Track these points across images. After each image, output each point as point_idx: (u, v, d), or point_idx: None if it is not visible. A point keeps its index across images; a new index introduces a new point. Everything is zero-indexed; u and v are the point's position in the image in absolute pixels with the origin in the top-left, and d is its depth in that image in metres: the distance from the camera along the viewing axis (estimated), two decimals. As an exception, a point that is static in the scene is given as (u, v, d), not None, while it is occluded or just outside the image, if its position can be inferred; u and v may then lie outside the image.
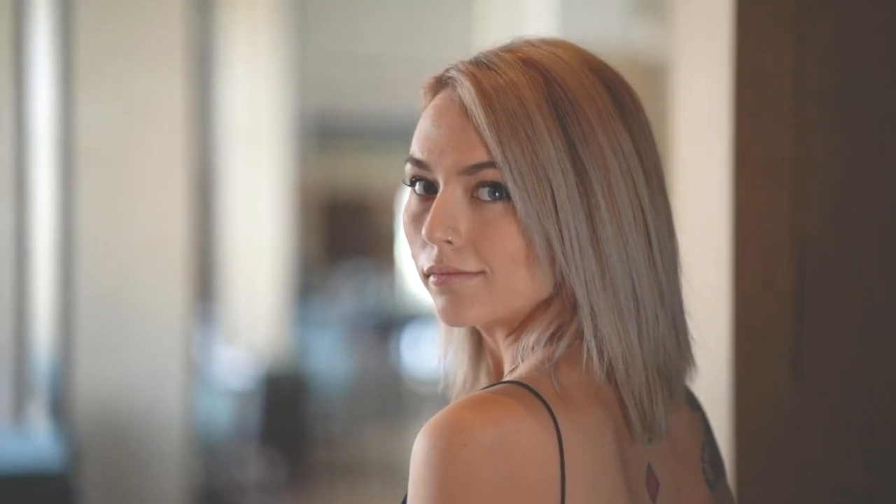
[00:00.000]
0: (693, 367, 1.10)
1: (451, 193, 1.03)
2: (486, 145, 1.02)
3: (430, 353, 10.05)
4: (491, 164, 1.02)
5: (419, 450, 0.93)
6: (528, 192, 1.00)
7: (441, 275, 1.04)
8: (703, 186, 1.35)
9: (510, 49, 1.07)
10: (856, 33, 1.31)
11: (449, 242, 1.03)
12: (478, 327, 1.12)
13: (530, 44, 1.07)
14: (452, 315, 1.04)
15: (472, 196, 1.03)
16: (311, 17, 8.99)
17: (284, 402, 6.55)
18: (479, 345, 1.17)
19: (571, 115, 1.01)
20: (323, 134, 11.47)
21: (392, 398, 9.60)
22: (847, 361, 1.32)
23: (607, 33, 4.86)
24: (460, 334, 1.17)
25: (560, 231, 1.01)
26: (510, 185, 1.01)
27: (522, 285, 1.03)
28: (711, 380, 1.25)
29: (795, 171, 1.29)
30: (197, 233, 4.43)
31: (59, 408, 4.17)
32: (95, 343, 4.09)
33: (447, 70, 1.08)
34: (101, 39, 4.11)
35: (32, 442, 3.87)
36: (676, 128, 1.45)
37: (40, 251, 4.44)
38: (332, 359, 8.38)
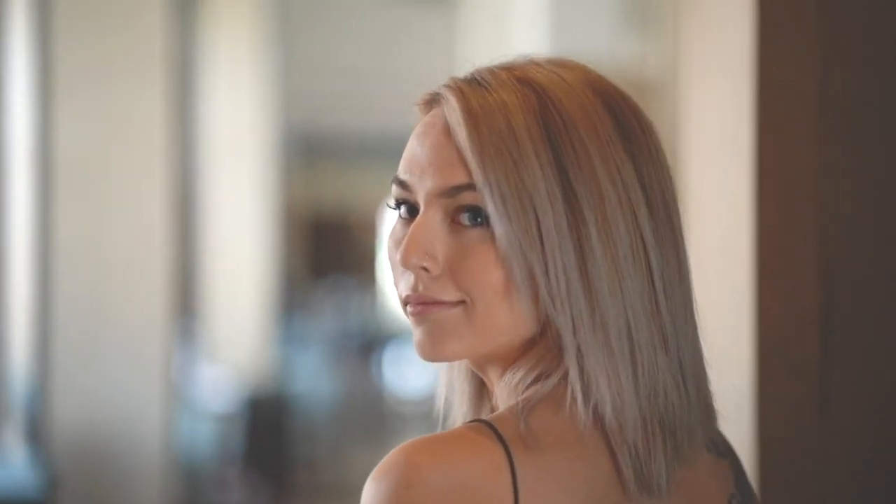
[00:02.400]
0: (710, 421, 1.00)
1: (430, 217, 0.97)
2: (467, 166, 0.96)
3: (414, 372, 9.99)
4: (471, 187, 0.96)
5: (366, 493, 0.88)
6: (510, 218, 0.94)
7: (418, 304, 0.97)
8: (719, 208, 1.27)
9: (509, 66, 1.00)
10: (883, 38, 1.23)
11: (426, 270, 0.97)
12: (471, 367, 1.05)
13: (533, 62, 1.00)
14: (429, 349, 0.98)
15: (453, 221, 0.97)
16: (294, 30, 8.96)
17: (267, 423, 6.50)
18: (481, 386, 1.08)
19: (565, 138, 0.95)
20: (306, 149, 11.42)
21: (377, 419, 9.53)
22: (877, 393, 1.23)
23: (596, 47, 4.82)
24: (460, 375, 1.09)
25: (545, 262, 0.93)
26: (490, 210, 0.95)
27: (503, 319, 0.96)
28: (733, 413, 1.16)
29: (821, 190, 1.21)
30: (178, 249, 4.38)
31: (36, 432, 4.10)
32: (73, 364, 4.03)
33: (440, 86, 1.02)
34: (80, 51, 4.07)
35: (8, 468, 3.80)
36: (687, 145, 1.37)
37: (16, 268, 4.37)
38: (315, 379, 8.32)
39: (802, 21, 1.20)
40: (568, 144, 0.94)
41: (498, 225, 0.94)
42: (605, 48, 4.81)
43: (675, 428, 0.94)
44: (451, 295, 0.96)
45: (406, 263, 0.97)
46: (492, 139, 0.94)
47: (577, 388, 0.93)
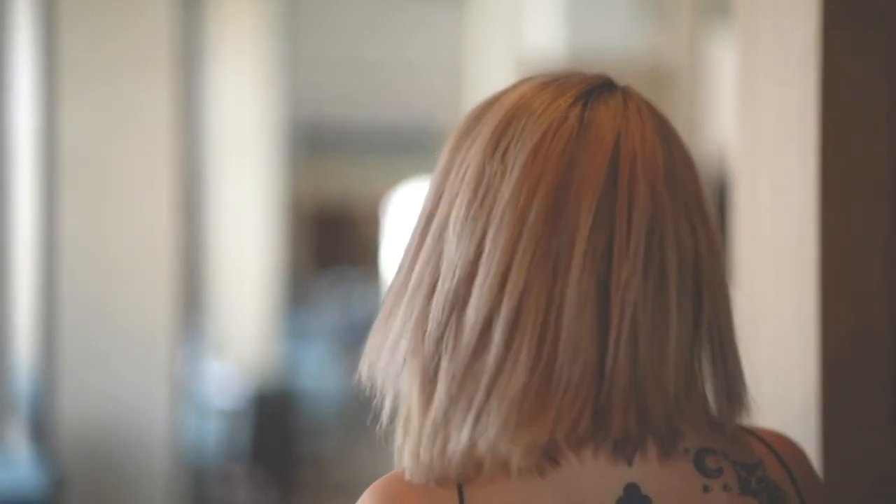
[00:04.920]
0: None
1: None
2: None
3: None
4: None
5: None
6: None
7: None
8: (780, 211, 1.19)
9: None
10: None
11: None
12: None
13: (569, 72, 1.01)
14: None
15: None
16: (300, 23, 8.90)
17: (273, 420, 6.46)
18: None
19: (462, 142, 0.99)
20: (311, 142, 11.37)
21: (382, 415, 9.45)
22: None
23: (610, 38, 4.76)
24: None
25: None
26: None
27: None
28: (798, 437, 1.09)
29: (890, 192, 1.13)
30: (183, 245, 4.33)
31: (41, 431, 4.06)
32: (78, 361, 4.00)
33: None
34: (86, 46, 4.04)
35: (12, 468, 3.74)
36: (737, 145, 1.29)
37: (21, 264, 4.32)
38: (320, 374, 8.28)
39: (868, 12, 1.13)
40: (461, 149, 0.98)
41: None
42: (619, 39, 4.74)
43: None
44: None
45: None
46: None
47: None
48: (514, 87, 1.00)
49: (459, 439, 0.92)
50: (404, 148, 12.04)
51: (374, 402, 0.99)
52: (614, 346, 0.91)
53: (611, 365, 0.91)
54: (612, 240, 0.92)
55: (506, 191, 0.94)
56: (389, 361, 0.97)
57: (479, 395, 0.91)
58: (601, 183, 0.93)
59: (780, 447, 1.01)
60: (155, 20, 4.14)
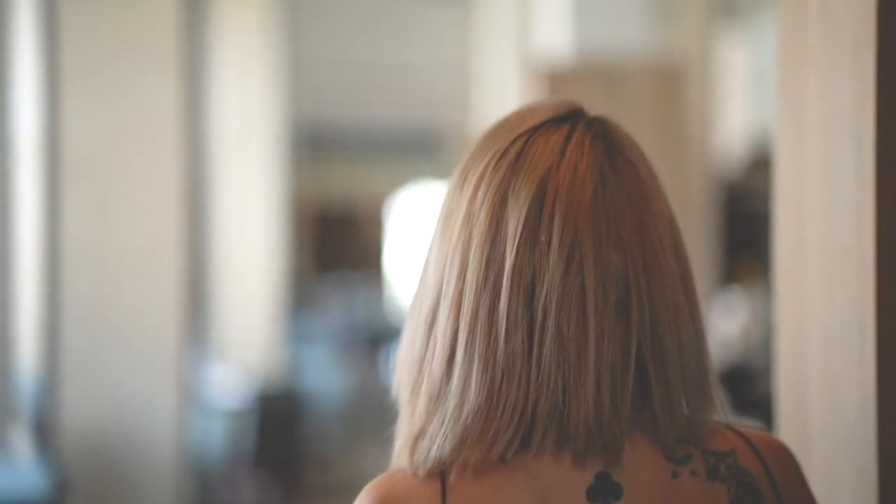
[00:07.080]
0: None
1: None
2: None
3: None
4: None
5: None
6: None
7: None
8: (830, 209, 1.13)
9: None
10: None
11: None
12: None
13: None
14: None
15: None
16: (303, 23, 8.88)
17: (277, 421, 6.44)
18: None
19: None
20: (313, 143, 11.34)
21: (385, 416, 9.44)
22: None
23: (619, 37, 4.72)
24: None
25: None
26: None
27: None
28: (852, 445, 1.04)
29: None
30: (188, 247, 4.29)
31: (45, 433, 4.02)
32: (82, 364, 3.97)
33: None
34: (89, 45, 4.01)
35: (16, 471, 3.70)
36: (779, 135, 1.24)
37: (25, 266, 4.29)
38: (324, 376, 8.26)
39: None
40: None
41: None
42: (627, 39, 4.70)
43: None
44: None
45: None
46: None
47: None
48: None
49: (430, 451, 1.00)
50: (408, 150, 12.01)
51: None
52: (536, 369, 0.98)
53: (535, 387, 0.98)
54: (534, 270, 0.99)
55: (457, 218, 1.02)
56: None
57: (447, 417, 1.00)
58: (526, 216, 1.00)
59: (759, 441, 1.04)
60: (159, 20, 4.12)
